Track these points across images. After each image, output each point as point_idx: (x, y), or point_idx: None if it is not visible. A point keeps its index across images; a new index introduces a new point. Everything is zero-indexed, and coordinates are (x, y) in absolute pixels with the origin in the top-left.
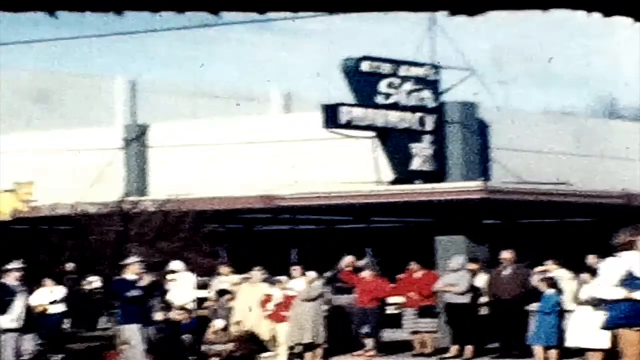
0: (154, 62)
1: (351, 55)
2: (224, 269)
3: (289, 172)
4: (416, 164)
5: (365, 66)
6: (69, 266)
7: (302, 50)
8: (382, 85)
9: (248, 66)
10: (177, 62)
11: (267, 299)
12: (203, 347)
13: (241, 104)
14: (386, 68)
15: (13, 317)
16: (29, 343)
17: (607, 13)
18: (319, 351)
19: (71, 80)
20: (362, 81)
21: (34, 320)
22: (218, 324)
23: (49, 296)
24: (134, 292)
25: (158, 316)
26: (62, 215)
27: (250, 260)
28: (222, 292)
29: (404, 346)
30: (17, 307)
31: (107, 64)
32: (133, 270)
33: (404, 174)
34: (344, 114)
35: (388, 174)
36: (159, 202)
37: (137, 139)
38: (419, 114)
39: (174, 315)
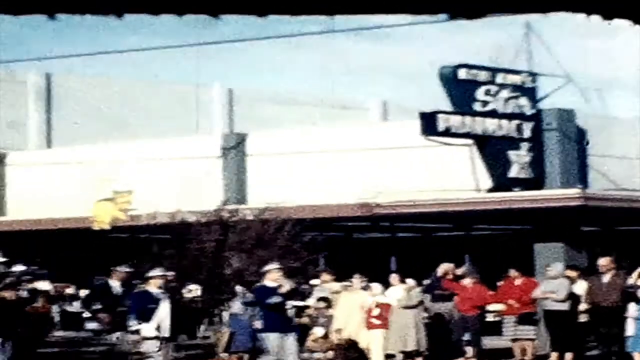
0: (251, 71)
1: (448, 62)
2: (325, 276)
3: (387, 180)
4: (514, 172)
5: (462, 74)
6: (169, 275)
7: (398, 57)
8: (480, 93)
9: (346, 74)
10: (274, 71)
11: (370, 306)
12: (304, 355)
13: (339, 112)
14: (483, 75)
15: (156, 326)
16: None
17: (607, 15)
18: (420, 359)
19: (170, 89)
20: (460, 89)
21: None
22: (318, 331)
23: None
24: (275, 299)
25: (257, 325)
26: (161, 224)
27: (349, 268)
28: (322, 300)
29: (505, 354)
30: (160, 315)
31: (205, 72)
32: (272, 277)
33: (502, 182)
34: (442, 122)
35: (486, 181)
36: (258, 210)
37: (235, 148)
38: (516, 122)
39: None
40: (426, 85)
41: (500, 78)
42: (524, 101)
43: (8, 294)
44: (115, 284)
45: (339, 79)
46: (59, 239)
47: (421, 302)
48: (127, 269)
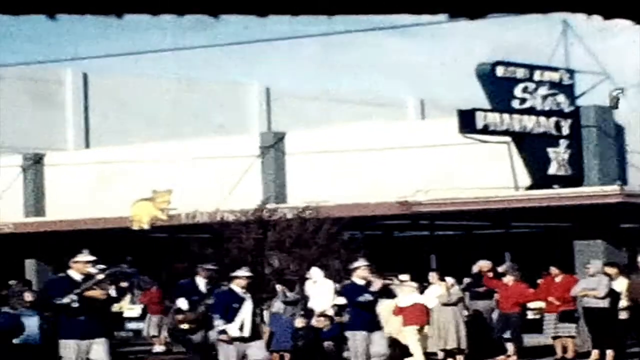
0: (287, 69)
1: (485, 60)
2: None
3: (426, 178)
4: (553, 169)
5: (499, 71)
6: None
7: (435, 54)
8: (517, 90)
9: (382, 71)
10: (310, 68)
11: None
12: (345, 354)
13: (376, 110)
14: (521, 73)
15: (239, 325)
16: (259, 351)
17: (607, 15)
18: (461, 357)
19: (208, 88)
20: (497, 86)
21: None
22: None
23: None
24: (366, 297)
25: (299, 323)
26: (200, 224)
27: (389, 266)
28: None
29: (546, 351)
30: (243, 315)
31: (242, 71)
32: (361, 274)
33: (541, 179)
34: (480, 119)
35: (525, 178)
36: (297, 209)
37: (273, 147)
38: (554, 119)
39: (315, 322)
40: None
41: (537, 75)
42: (561, 98)
43: (98, 293)
44: (201, 282)
45: (376, 77)
46: (98, 240)
47: (461, 300)
48: (213, 267)
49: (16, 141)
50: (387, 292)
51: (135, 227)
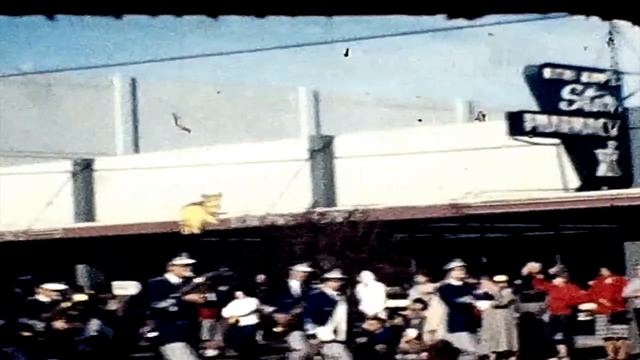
0: (335, 73)
1: (533, 62)
2: (420, 277)
3: (475, 181)
4: (602, 170)
5: (547, 73)
6: (260, 278)
7: (482, 57)
8: (565, 92)
9: (430, 74)
10: (358, 72)
11: None
12: (397, 357)
13: (424, 112)
14: (568, 74)
15: (332, 329)
16: (347, 356)
17: (606, 16)
18: (513, 359)
19: (257, 92)
20: (545, 88)
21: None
22: (411, 333)
23: (241, 308)
24: (465, 299)
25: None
26: (251, 227)
27: (440, 269)
28: (418, 302)
29: (597, 352)
30: (337, 318)
31: (290, 75)
32: (456, 275)
33: (590, 180)
34: (529, 121)
35: (574, 180)
36: (347, 212)
37: (322, 150)
38: (602, 120)
39: (367, 325)
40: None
41: (585, 77)
42: (609, 100)
43: (197, 297)
44: (294, 284)
45: (424, 80)
46: (148, 244)
47: (512, 302)
48: (307, 269)
49: (66, 147)
50: (490, 294)
51: (185, 231)
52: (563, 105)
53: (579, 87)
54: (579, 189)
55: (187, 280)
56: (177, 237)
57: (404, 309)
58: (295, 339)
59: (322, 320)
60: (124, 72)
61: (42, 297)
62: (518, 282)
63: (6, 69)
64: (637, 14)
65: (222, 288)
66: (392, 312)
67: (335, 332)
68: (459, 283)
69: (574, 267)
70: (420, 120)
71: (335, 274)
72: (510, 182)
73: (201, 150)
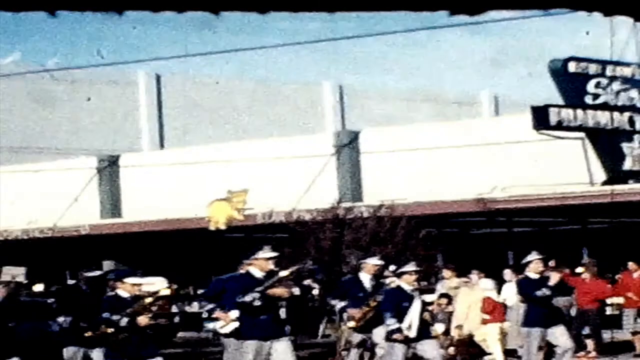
0: (360, 67)
1: (557, 56)
2: (446, 272)
3: (501, 175)
4: (628, 164)
5: (572, 67)
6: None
7: (507, 52)
8: (590, 86)
9: (456, 69)
10: (383, 67)
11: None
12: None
13: (450, 107)
14: (593, 68)
15: (408, 325)
16: (434, 350)
17: (608, 12)
18: (540, 353)
19: (282, 87)
20: (570, 82)
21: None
22: (438, 328)
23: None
24: (544, 292)
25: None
26: (277, 223)
27: (467, 264)
28: (444, 296)
29: (625, 347)
30: (412, 314)
31: (315, 71)
32: (535, 268)
33: (616, 174)
34: (554, 115)
35: (600, 174)
36: (373, 207)
37: (348, 145)
38: (628, 114)
39: None
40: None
41: (610, 70)
42: (634, 93)
43: (282, 291)
44: (365, 278)
45: (450, 74)
46: (174, 240)
47: None
48: (378, 262)
49: (91, 143)
50: (563, 287)
51: (212, 227)
52: (588, 99)
53: (604, 81)
54: (605, 183)
55: (271, 274)
56: (204, 233)
57: (431, 304)
58: (379, 335)
59: (400, 315)
60: (149, 68)
61: (122, 292)
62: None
63: (31, 66)
64: (638, 11)
65: (307, 282)
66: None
67: (409, 328)
68: (537, 276)
69: (601, 261)
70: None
71: (411, 267)
72: (536, 176)
73: (227, 146)
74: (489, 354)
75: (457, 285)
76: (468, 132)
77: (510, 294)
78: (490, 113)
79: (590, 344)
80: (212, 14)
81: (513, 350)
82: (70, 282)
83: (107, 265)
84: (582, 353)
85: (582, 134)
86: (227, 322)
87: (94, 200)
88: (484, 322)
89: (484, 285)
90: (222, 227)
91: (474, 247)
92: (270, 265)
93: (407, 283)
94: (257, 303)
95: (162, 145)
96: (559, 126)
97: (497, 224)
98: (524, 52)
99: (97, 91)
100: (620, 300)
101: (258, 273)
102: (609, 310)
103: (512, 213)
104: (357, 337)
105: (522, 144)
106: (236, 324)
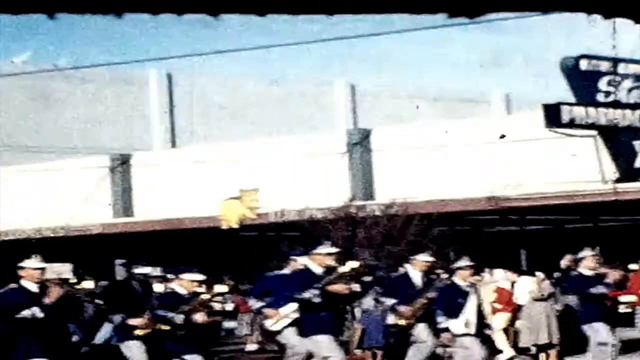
0: (371, 66)
1: (569, 53)
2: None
3: (513, 173)
4: None
5: (584, 64)
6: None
7: (519, 49)
8: (602, 83)
9: (466, 68)
10: (394, 65)
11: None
12: (438, 351)
13: (462, 105)
14: (605, 66)
15: (464, 322)
16: (481, 349)
17: (607, 15)
18: (553, 352)
19: (293, 85)
20: (582, 80)
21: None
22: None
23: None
24: (599, 289)
25: (390, 320)
26: (289, 222)
27: (479, 262)
28: None
29: (638, 345)
30: (468, 311)
31: (327, 69)
32: (588, 265)
33: (629, 172)
34: (566, 113)
35: (612, 172)
36: (385, 205)
37: (360, 144)
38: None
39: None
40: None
41: (622, 68)
42: None
43: (342, 288)
44: (415, 275)
45: (460, 72)
46: (186, 240)
47: (552, 295)
48: (429, 258)
49: (103, 142)
50: (622, 284)
51: (224, 226)
52: (600, 97)
53: (616, 79)
54: (617, 181)
55: (329, 270)
56: (216, 232)
57: None
58: (422, 332)
59: (454, 312)
60: (160, 66)
61: (179, 289)
62: (557, 274)
63: (42, 64)
64: (638, 13)
65: (367, 278)
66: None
67: (466, 324)
68: (591, 273)
69: (614, 259)
70: (457, 112)
71: (465, 262)
72: (548, 174)
73: (238, 144)
74: (500, 351)
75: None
76: (481, 130)
77: (522, 292)
78: (502, 111)
79: None
80: (211, 16)
81: (525, 348)
82: (119, 278)
83: (119, 264)
84: None
85: (594, 132)
86: (277, 319)
87: (106, 199)
88: (494, 311)
89: (498, 276)
90: (234, 225)
91: (487, 245)
92: (330, 261)
93: (461, 279)
94: (317, 300)
95: (173, 144)
96: (571, 124)
97: (510, 222)
98: (536, 50)
99: (108, 90)
100: (632, 298)
101: (317, 269)
102: (621, 309)
103: (524, 211)
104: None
105: (534, 142)
106: (287, 321)
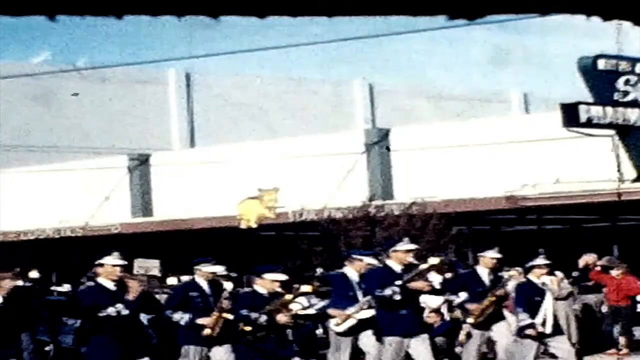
0: (389, 65)
1: (587, 53)
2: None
3: (531, 173)
4: None
5: (601, 64)
6: (318, 272)
7: (537, 49)
8: (620, 83)
9: (485, 66)
10: (412, 65)
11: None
12: (457, 350)
13: (480, 105)
14: (622, 65)
15: (541, 321)
16: (566, 345)
17: (607, 16)
18: (572, 351)
19: (312, 85)
20: (599, 79)
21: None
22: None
23: (302, 302)
24: None
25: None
26: (308, 221)
27: (498, 261)
28: None
29: None
30: (545, 309)
31: (345, 69)
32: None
33: None
34: (584, 113)
35: (630, 171)
36: (404, 205)
37: (378, 143)
38: None
39: (426, 318)
40: (567, 76)
41: (639, 67)
42: None
43: (422, 285)
44: (483, 272)
45: (479, 72)
46: (205, 239)
47: (571, 294)
48: (497, 255)
49: (122, 142)
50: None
51: (243, 225)
52: (618, 96)
53: (634, 78)
54: (635, 180)
55: (409, 266)
56: (235, 231)
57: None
58: (500, 331)
59: (532, 311)
60: (179, 66)
61: (260, 289)
62: (576, 274)
63: (61, 64)
64: (638, 15)
65: (448, 275)
66: (451, 305)
67: (543, 323)
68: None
69: (632, 258)
70: (475, 112)
71: (541, 260)
72: (566, 174)
73: (257, 144)
74: None
75: None
76: (499, 130)
77: None
78: (520, 111)
79: (622, 341)
80: (212, 18)
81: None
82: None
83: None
84: (614, 350)
85: (611, 131)
86: (342, 319)
87: (125, 199)
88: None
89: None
90: (253, 225)
91: (505, 244)
92: (410, 258)
93: (537, 277)
94: (397, 297)
95: (192, 144)
96: (589, 123)
97: (528, 222)
98: (554, 49)
99: (127, 90)
100: None
101: (396, 266)
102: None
103: (542, 210)
104: (477, 334)
105: (552, 142)
106: (353, 322)
